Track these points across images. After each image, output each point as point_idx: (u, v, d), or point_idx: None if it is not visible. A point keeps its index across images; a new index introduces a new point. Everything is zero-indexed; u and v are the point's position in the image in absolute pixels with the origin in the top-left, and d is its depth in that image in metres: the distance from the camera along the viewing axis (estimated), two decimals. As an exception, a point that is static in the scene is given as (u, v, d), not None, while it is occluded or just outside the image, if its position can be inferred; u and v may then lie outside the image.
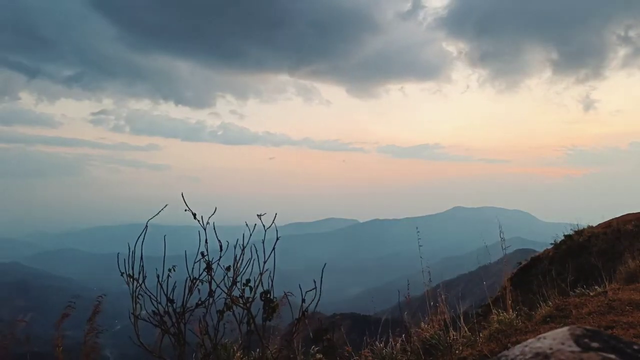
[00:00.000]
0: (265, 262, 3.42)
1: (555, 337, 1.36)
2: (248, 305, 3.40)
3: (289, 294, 3.55)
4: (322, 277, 3.33)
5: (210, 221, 3.35)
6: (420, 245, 5.63)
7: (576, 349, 1.29)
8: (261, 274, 3.40)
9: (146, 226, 3.23)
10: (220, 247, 3.30)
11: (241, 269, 3.39)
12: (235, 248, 3.38)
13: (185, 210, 3.28)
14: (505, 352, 1.43)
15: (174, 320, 3.30)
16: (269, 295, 3.39)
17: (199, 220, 3.30)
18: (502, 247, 5.88)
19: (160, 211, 3.23)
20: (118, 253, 3.08)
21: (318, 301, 3.40)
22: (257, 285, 3.41)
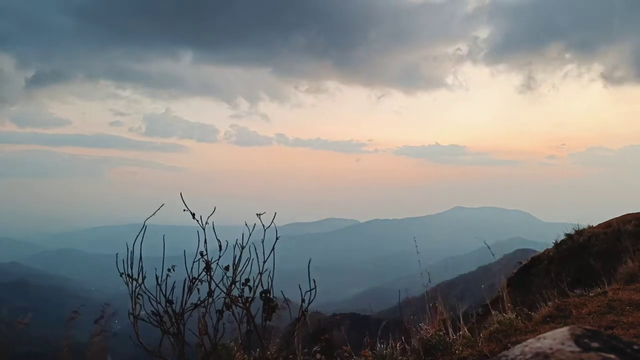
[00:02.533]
0: (264, 262, 3.43)
1: (555, 337, 1.36)
2: (247, 305, 3.40)
3: (289, 301, 3.54)
4: (309, 274, 3.33)
5: (210, 221, 3.35)
6: (418, 252, 5.63)
7: (576, 349, 1.29)
8: (260, 273, 3.40)
9: (144, 226, 3.22)
10: (220, 246, 3.30)
11: (240, 269, 3.39)
12: (234, 248, 3.38)
13: (184, 210, 3.28)
14: (505, 352, 1.42)
15: (173, 320, 3.29)
16: (268, 295, 3.39)
17: (197, 220, 3.30)
18: (491, 253, 5.88)
19: (156, 210, 3.24)
20: (117, 253, 3.07)
21: (312, 300, 3.39)
22: (257, 285, 3.41)
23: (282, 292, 3.50)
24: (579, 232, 13.59)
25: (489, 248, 5.90)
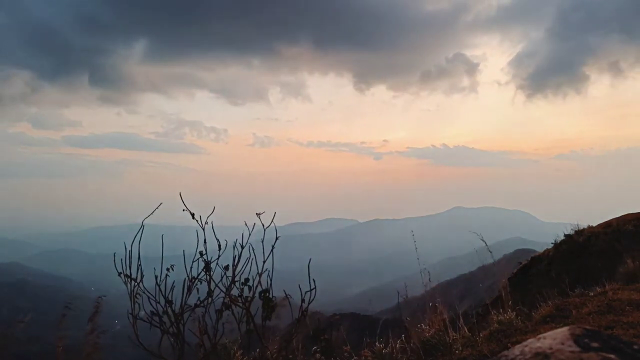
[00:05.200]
0: (264, 262, 3.42)
1: (555, 337, 1.36)
2: (247, 304, 3.39)
3: (289, 296, 3.53)
4: (309, 273, 3.32)
5: (210, 221, 3.34)
6: (416, 248, 5.63)
7: (576, 349, 1.29)
8: (260, 273, 3.40)
9: (142, 225, 3.22)
10: (219, 246, 3.30)
11: (240, 269, 3.39)
12: (234, 248, 3.37)
13: (184, 210, 3.28)
14: (505, 352, 1.42)
15: (172, 320, 3.29)
16: (267, 295, 3.39)
17: (197, 220, 3.29)
18: (489, 252, 5.87)
19: (154, 210, 3.23)
20: (114, 253, 3.07)
21: (312, 300, 3.39)
22: (257, 285, 3.41)
23: (284, 290, 3.49)
24: (579, 232, 13.59)
25: (488, 248, 5.89)
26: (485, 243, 5.90)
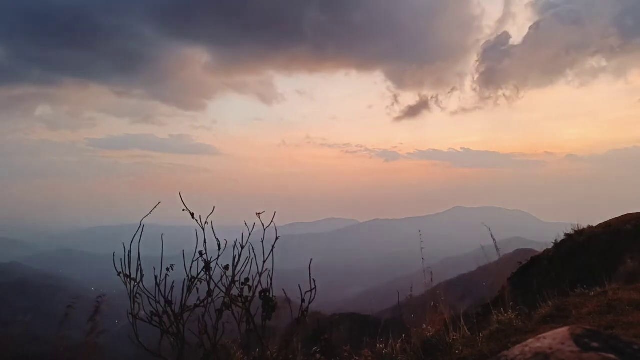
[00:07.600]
0: (264, 262, 3.42)
1: (555, 337, 1.36)
2: (247, 304, 3.39)
3: (288, 301, 3.53)
4: (310, 274, 3.32)
5: (210, 220, 3.35)
6: (422, 248, 5.62)
7: (576, 349, 1.29)
8: (260, 273, 3.40)
9: (142, 226, 3.22)
10: (219, 246, 3.30)
11: (240, 268, 3.39)
12: (234, 247, 3.37)
13: (183, 210, 3.28)
14: (505, 352, 1.42)
15: (172, 320, 3.29)
16: (268, 294, 3.39)
17: (197, 220, 3.29)
18: (496, 249, 5.87)
19: (152, 209, 3.23)
20: (114, 252, 3.07)
21: (312, 300, 3.39)
22: (257, 285, 3.41)
23: (283, 290, 3.48)
24: (579, 232, 13.58)
25: (497, 247, 5.89)
26: (495, 242, 5.90)
